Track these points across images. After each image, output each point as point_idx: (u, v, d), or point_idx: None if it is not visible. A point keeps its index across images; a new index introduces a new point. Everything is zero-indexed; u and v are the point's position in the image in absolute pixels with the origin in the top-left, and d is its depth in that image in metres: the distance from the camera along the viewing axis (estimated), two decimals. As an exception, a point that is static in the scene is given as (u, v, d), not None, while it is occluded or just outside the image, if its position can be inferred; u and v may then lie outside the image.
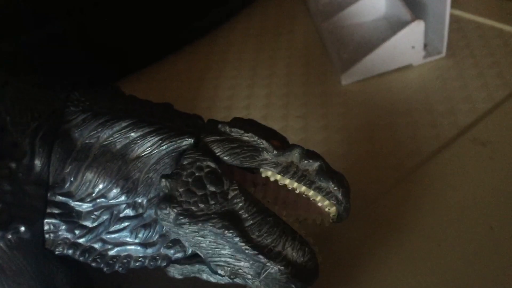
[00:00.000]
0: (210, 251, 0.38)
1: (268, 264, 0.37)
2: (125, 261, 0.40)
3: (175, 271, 0.42)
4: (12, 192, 0.36)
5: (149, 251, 0.40)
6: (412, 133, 0.60)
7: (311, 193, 0.40)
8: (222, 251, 0.38)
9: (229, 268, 0.38)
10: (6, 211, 0.36)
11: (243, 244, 0.37)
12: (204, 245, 0.38)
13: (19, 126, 0.38)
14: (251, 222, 0.37)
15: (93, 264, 0.40)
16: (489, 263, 0.46)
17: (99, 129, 0.40)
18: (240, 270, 0.38)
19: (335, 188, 0.39)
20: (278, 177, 0.40)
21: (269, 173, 0.40)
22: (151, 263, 0.40)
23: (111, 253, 0.40)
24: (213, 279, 0.41)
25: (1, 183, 0.36)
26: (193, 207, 0.37)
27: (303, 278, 0.37)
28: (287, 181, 0.40)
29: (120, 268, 0.40)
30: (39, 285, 0.37)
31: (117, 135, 0.40)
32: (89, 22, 0.71)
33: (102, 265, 0.40)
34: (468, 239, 0.48)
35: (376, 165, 0.57)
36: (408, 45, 0.67)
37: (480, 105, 0.62)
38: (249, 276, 0.38)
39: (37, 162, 0.38)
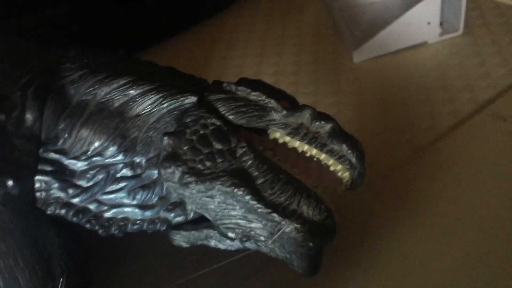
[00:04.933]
0: (219, 213, 0.35)
1: (283, 223, 0.34)
2: (122, 223, 0.37)
3: (181, 239, 0.39)
4: (0, 144, 0.34)
5: (148, 213, 0.37)
6: (427, 109, 0.57)
7: (322, 156, 0.37)
8: (232, 212, 0.35)
9: (240, 231, 0.35)
10: None
11: (255, 202, 0.34)
12: (212, 206, 0.35)
13: (9, 79, 0.36)
14: (262, 180, 0.35)
15: (87, 226, 0.37)
16: (508, 234, 0.43)
17: (96, 86, 0.38)
18: (252, 232, 0.35)
19: (348, 151, 0.36)
20: (287, 139, 0.37)
21: (278, 135, 0.37)
22: (150, 227, 0.37)
23: (107, 215, 0.37)
24: (222, 245, 0.38)
25: None
26: (199, 166, 0.34)
27: (321, 236, 0.35)
28: (296, 144, 0.37)
29: (117, 231, 0.37)
30: (27, 244, 0.35)
31: (115, 93, 0.37)
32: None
33: (97, 227, 0.37)
34: (488, 212, 0.45)
35: (389, 141, 0.54)
36: (423, 21, 0.64)
37: (499, 81, 0.59)
38: (262, 238, 0.35)
39: (28, 116, 0.36)
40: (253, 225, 0.35)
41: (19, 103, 0.35)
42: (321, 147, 0.37)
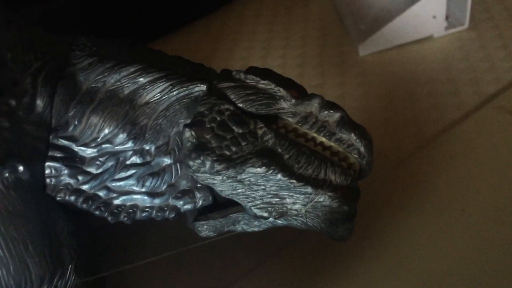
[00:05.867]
0: (250, 195, 0.36)
1: (316, 193, 0.35)
2: (131, 211, 0.37)
3: (208, 229, 0.39)
4: (10, 129, 0.34)
5: (157, 201, 0.37)
6: (433, 102, 0.57)
7: (331, 144, 0.37)
8: (263, 192, 0.35)
9: (273, 209, 0.36)
10: (3, 147, 0.33)
11: (287, 178, 0.34)
12: (242, 190, 0.35)
13: (21, 64, 0.36)
14: (287, 156, 0.35)
15: (97, 213, 0.37)
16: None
17: (106, 73, 0.38)
18: (285, 208, 0.36)
19: (357, 140, 0.37)
20: (297, 126, 0.37)
21: (287, 123, 0.37)
22: (159, 214, 0.37)
23: (116, 202, 0.37)
24: (250, 228, 0.38)
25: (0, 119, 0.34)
26: (226, 152, 0.35)
27: (352, 199, 0.36)
28: (305, 131, 0.37)
29: (126, 218, 0.37)
30: (38, 230, 0.35)
31: (125, 80, 0.38)
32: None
33: (106, 214, 0.37)
34: (493, 205, 0.45)
35: (395, 132, 0.54)
36: (429, 14, 0.64)
37: (505, 74, 0.59)
38: (295, 212, 0.36)
39: (39, 102, 0.36)
40: (285, 200, 0.36)
41: (30, 89, 0.36)
42: (330, 136, 0.37)
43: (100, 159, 0.37)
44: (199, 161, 0.34)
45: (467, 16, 0.66)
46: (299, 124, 0.37)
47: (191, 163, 0.35)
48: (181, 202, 0.37)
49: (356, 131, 0.37)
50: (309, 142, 0.37)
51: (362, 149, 0.37)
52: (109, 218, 0.37)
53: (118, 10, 0.72)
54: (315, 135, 0.37)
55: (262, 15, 0.78)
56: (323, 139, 0.37)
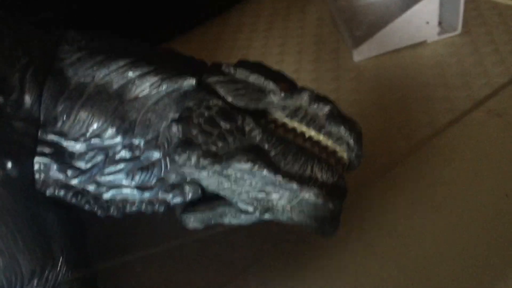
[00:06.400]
0: (236, 190, 0.36)
1: (301, 189, 0.35)
2: (121, 205, 0.37)
3: (195, 221, 0.39)
4: None
5: (146, 195, 0.37)
6: (425, 106, 0.58)
7: (321, 138, 0.37)
8: (249, 188, 0.36)
9: (258, 204, 0.36)
10: None
11: (273, 175, 0.35)
12: (228, 185, 0.36)
13: (9, 60, 0.36)
14: (274, 152, 0.35)
15: (86, 207, 0.37)
16: (505, 229, 0.44)
17: (95, 68, 0.38)
18: (270, 204, 0.36)
19: (346, 133, 0.37)
20: (286, 120, 0.37)
21: (277, 116, 0.38)
22: (148, 208, 0.37)
23: (106, 196, 0.37)
24: (237, 221, 0.38)
25: None
26: (213, 147, 0.35)
27: (337, 197, 0.36)
28: (295, 125, 0.37)
29: (115, 212, 0.38)
30: (27, 225, 0.35)
31: (114, 74, 0.38)
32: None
33: (95, 208, 0.37)
34: (483, 207, 0.46)
35: (388, 136, 0.55)
36: (422, 20, 0.66)
37: (496, 79, 0.60)
38: (280, 208, 0.36)
39: (27, 98, 0.36)
40: (271, 196, 0.36)
41: (18, 85, 0.35)
42: (319, 129, 0.37)
43: (89, 154, 0.37)
44: (185, 156, 0.35)
45: (459, 22, 0.67)
46: (289, 118, 0.37)
47: (177, 157, 0.35)
48: (170, 196, 0.37)
49: (346, 124, 0.37)
50: (298, 136, 0.38)
51: (351, 142, 0.37)
52: (99, 212, 0.38)
53: (114, 22, 0.73)
54: (304, 129, 0.37)
55: (259, 22, 0.80)
56: (312, 133, 0.37)
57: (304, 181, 0.35)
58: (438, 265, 0.42)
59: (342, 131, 0.37)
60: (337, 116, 0.37)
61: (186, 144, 0.35)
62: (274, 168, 0.35)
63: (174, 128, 0.36)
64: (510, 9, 0.71)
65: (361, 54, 0.67)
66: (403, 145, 0.54)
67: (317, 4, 0.80)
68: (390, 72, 0.64)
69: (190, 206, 0.39)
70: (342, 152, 0.37)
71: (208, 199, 0.38)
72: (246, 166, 0.35)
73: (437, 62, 0.64)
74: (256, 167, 0.35)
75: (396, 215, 0.47)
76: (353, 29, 0.71)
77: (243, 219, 0.38)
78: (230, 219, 0.38)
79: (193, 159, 0.35)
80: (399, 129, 0.56)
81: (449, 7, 0.67)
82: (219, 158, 0.35)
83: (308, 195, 0.35)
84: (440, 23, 0.68)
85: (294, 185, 0.35)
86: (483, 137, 0.53)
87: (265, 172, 0.35)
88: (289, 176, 0.35)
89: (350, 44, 0.69)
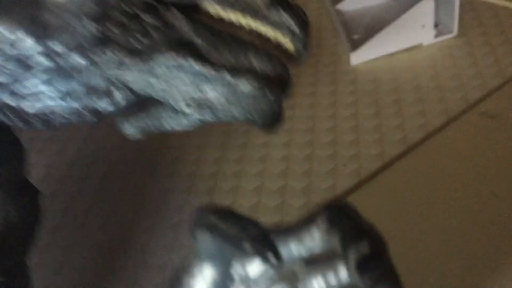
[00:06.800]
0: (169, 90, 0.33)
1: (237, 81, 0.32)
2: (45, 117, 0.34)
3: (131, 128, 0.36)
4: None
5: (73, 104, 0.34)
6: (419, 108, 0.60)
7: (262, 28, 0.34)
8: (183, 87, 0.33)
9: (194, 103, 0.33)
10: None
11: (202, 67, 0.32)
12: (158, 85, 0.33)
13: None
14: (203, 42, 0.32)
15: (8, 122, 0.34)
16: (494, 229, 0.45)
17: None
18: (207, 101, 0.33)
19: (290, 20, 0.33)
20: (222, 12, 0.34)
21: (211, 9, 0.34)
22: (78, 119, 0.34)
23: (27, 108, 0.34)
24: (177, 124, 0.35)
25: None
26: (135, 44, 0.32)
27: (278, 88, 0.32)
28: (233, 17, 0.34)
29: (40, 125, 0.35)
30: None
31: None
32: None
33: (16, 122, 0.34)
34: (473, 207, 0.47)
35: (383, 138, 0.57)
36: (417, 24, 0.67)
37: (490, 80, 0.61)
38: (219, 106, 0.33)
39: None
40: (207, 94, 0.33)
41: None
42: (261, 18, 0.34)
43: (4, 65, 0.34)
44: (105, 56, 0.32)
45: (455, 24, 0.68)
46: (225, 9, 0.34)
47: (97, 58, 0.32)
48: (100, 104, 0.34)
49: (289, 10, 0.34)
50: (236, 29, 0.35)
51: (296, 29, 0.33)
52: (21, 125, 0.35)
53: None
54: (243, 20, 0.34)
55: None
56: (253, 24, 0.34)
57: (239, 72, 0.32)
58: (428, 266, 0.43)
59: (284, 16, 0.33)
60: (279, 2, 0.33)
61: (106, 42, 0.32)
62: (205, 59, 0.32)
63: (90, 26, 0.32)
64: (506, 10, 0.72)
65: (358, 57, 0.68)
66: (396, 148, 0.55)
67: (316, 7, 0.82)
68: (387, 75, 0.66)
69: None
70: (287, 43, 0.34)
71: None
72: (173, 60, 0.32)
73: (433, 65, 0.66)
74: (184, 60, 0.31)
75: (389, 216, 0.48)
76: (351, 33, 0.72)
77: (184, 122, 0.35)
78: (169, 122, 0.35)
79: (114, 58, 0.32)
80: (394, 131, 0.57)
81: (446, 10, 0.69)
82: (141, 54, 0.32)
83: (244, 86, 0.32)
84: (436, 25, 0.69)
85: (228, 77, 0.32)
86: (476, 140, 0.54)
87: (194, 65, 0.32)
88: (222, 67, 0.32)
89: (347, 48, 0.70)
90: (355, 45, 0.69)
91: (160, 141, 0.61)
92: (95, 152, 0.63)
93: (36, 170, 0.60)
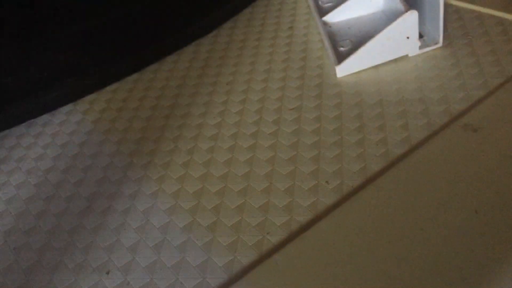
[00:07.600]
0: None
1: None
2: None
3: None
4: None
5: None
6: (403, 121, 0.59)
7: None
8: None
9: None
10: None
11: None
12: None
13: None
14: None
15: None
16: (473, 245, 0.45)
17: None
18: None
19: None
20: None
21: None
22: None
23: None
24: None
25: None
26: None
27: None
28: None
29: None
30: None
31: None
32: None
33: None
34: (452, 223, 0.47)
35: (366, 153, 0.57)
36: (402, 35, 0.67)
37: (474, 92, 0.61)
38: None
39: None
40: None
41: None
42: None
43: None
44: None
45: (440, 35, 0.68)
46: None
47: None
48: None
49: None
50: None
51: None
52: None
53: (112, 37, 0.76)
54: None
55: (248, 39, 0.82)
56: None
57: None
58: (412, 280, 0.43)
59: None
60: None
61: None
62: None
63: None
64: (492, 19, 0.72)
65: (344, 70, 0.68)
66: (380, 161, 0.55)
67: (305, 18, 0.82)
68: (371, 88, 0.66)
69: None
70: None
71: None
72: None
73: (417, 77, 0.65)
74: None
75: (372, 233, 0.48)
76: (337, 45, 0.72)
77: None
78: None
79: None
80: (377, 146, 0.57)
81: (432, 21, 0.69)
82: None
83: None
84: (421, 36, 0.69)
85: None
86: (458, 154, 0.54)
87: None
88: None
89: (333, 60, 0.70)
90: (341, 57, 0.69)
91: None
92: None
93: None
